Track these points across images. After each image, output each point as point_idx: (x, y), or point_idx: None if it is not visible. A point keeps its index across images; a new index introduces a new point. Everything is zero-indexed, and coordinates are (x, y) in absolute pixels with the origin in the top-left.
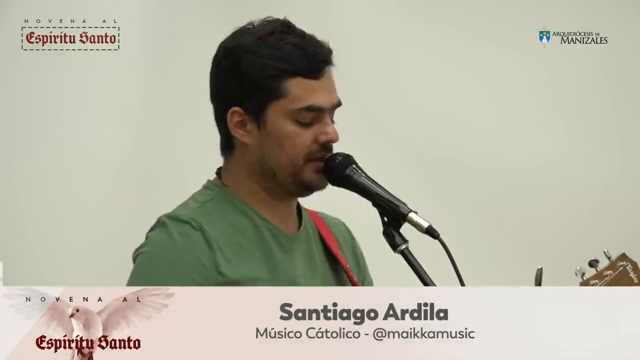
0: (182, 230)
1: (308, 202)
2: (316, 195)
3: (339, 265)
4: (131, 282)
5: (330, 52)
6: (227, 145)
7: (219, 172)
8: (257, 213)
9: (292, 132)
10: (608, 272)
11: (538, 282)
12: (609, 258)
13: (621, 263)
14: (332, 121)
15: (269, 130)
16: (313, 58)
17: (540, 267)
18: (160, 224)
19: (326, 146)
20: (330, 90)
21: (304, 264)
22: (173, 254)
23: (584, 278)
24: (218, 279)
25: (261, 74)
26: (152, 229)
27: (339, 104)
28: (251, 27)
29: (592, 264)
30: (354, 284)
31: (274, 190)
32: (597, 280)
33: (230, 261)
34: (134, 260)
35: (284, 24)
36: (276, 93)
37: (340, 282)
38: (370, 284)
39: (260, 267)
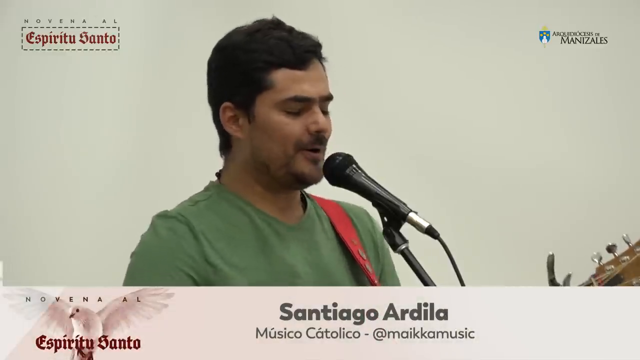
0: (168, 225)
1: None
2: (316, 194)
3: (352, 254)
4: (124, 284)
5: (317, 44)
6: (225, 144)
7: (219, 174)
8: (254, 206)
9: (280, 121)
10: (625, 257)
11: (550, 268)
12: (628, 243)
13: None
14: (325, 113)
15: (258, 123)
16: (298, 49)
17: (551, 253)
18: (150, 224)
19: (318, 136)
20: (317, 80)
21: (306, 252)
22: (159, 249)
23: (600, 263)
24: (208, 269)
25: (248, 67)
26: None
27: (329, 97)
28: (242, 27)
29: (610, 249)
30: (366, 273)
31: (270, 183)
32: (612, 266)
33: (220, 252)
34: None
35: (272, 22)
36: (263, 85)
37: (351, 270)
38: (392, 275)
39: (254, 257)
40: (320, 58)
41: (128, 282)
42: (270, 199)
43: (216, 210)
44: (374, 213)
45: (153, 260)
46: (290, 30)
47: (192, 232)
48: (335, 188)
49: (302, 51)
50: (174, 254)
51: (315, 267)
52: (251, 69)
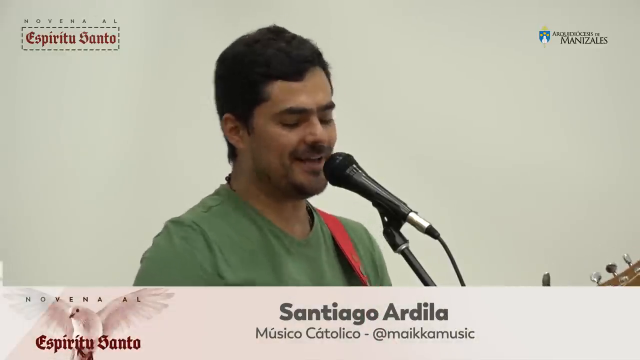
0: (183, 234)
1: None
2: (317, 195)
3: (353, 270)
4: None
5: (315, 52)
6: (232, 152)
7: (228, 177)
8: (265, 218)
9: (277, 133)
10: (624, 277)
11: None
12: (628, 263)
13: (639, 269)
14: (328, 121)
15: (256, 135)
16: (295, 60)
17: (547, 272)
18: (164, 228)
19: (314, 147)
20: (315, 91)
21: (310, 269)
22: (173, 258)
23: (599, 283)
24: (219, 283)
25: (246, 79)
26: (158, 235)
27: (329, 105)
28: (245, 36)
29: (610, 268)
30: None
31: (273, 192)
32: (611, 286)
33: (233, 265)
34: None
35: (273, 31)
36: (260, 97)
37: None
38: None
39: (265, 272)
40: (322, 65)
41: (140, 285)
42: (276, 208)
43: (228, 218)
44: (369, 217)
45: (165, 269)
46: (290, 39)
47: (207, 243)
48: (336, 188)
49: (300, 61)
50: (187, 264)
51: (318, 284)
52: (249, 82)
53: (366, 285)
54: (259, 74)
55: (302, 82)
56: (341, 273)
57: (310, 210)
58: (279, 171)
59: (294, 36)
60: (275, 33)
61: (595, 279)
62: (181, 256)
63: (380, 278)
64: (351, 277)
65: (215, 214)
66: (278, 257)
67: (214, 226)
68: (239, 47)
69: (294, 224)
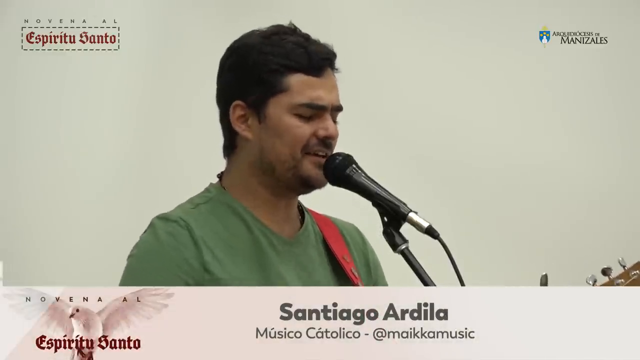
0: (168, 229)
1: (308, 202)
2: (316, 195)
3: (343, 271)
4: (120, 286)
5: (332, 53)
6: (230, 144)
7: (220, 175)
8: (253, 215)
9: (291, 124)
10: (620, 280)
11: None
12: (623, 267)
13: (635, 272)
14: (335, 122)
15: (269, 124)
16: (315, 56)
17: (545, 273)
18: (150, 225)
19: (325, 142)
20: (331, 89)
21: (299, 268)
22: (158, 254)
23: (595, 286)
24: (205, 278)
25: (263, 68)
26: (145, 231)
27: (340, 108)
28: (256, 31)
29: (605, 271)
30: None
31: (274, 186)
32: None
33: (220, 260)
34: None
35: (289, 27)
36: (278, 88)
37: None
38: None
39: (252, 270)
40: (333, 68)
41: (125, 284)
42: (271, 207)
43: (217, 215)
44: (369, 217)
45: (151, 265)
46: (307, 37)
47: (193, 238)
48: (336, 188)
49: (319, 58)
50: (173, 260)
51: (307, 284)
52: (266, 71)
53: (357, 286)
54: (279, 64)
55: (321, 78)
56: (331, 273)
57: (302, 210)
58: (288, 163)
59: (308, 35)
60: (291, 29)
61: (590, 282)
62: (167, 252)
63: (374, 279)
64: (341, 277)
65: (203, 211)
66: (265, 255)
67: (201, 222)
68: (253, 38)
69: (283, 223)
